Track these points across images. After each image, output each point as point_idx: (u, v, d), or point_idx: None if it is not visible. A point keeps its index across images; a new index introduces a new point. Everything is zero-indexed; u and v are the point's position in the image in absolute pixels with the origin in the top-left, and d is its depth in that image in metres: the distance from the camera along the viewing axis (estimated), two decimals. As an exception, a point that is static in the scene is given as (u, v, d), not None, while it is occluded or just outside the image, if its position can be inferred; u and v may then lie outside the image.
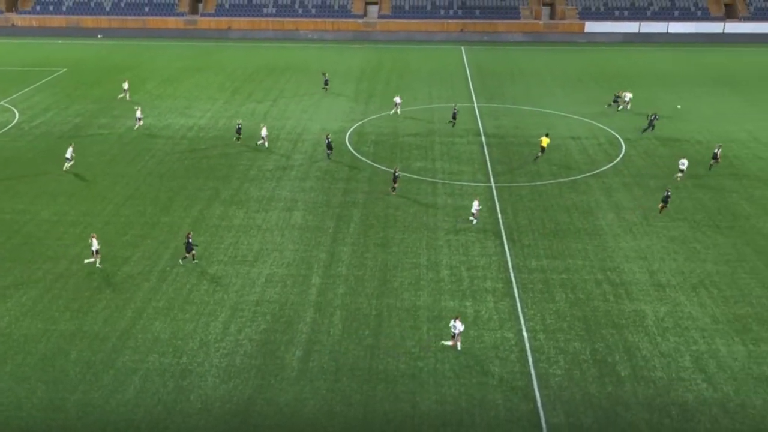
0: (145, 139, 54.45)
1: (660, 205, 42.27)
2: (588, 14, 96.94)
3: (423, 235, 39.38)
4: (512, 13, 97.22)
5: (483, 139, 54.79)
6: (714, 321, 31.66)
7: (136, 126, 57.50)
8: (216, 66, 79.11)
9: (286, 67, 78.27)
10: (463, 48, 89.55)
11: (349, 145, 53.03)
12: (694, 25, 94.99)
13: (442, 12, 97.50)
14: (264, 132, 52.94)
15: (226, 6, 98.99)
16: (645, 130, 56.31)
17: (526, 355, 29.32)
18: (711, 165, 48.78)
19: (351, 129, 56.75)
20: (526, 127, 57.33)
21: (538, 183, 46.45)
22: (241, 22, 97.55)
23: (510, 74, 75.50)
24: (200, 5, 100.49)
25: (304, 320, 31.64)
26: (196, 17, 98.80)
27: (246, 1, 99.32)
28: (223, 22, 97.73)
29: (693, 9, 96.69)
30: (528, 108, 62.64)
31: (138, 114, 57.87)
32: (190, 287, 34.16)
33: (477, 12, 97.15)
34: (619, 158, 50.79)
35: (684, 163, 47.11)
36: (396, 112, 60.81)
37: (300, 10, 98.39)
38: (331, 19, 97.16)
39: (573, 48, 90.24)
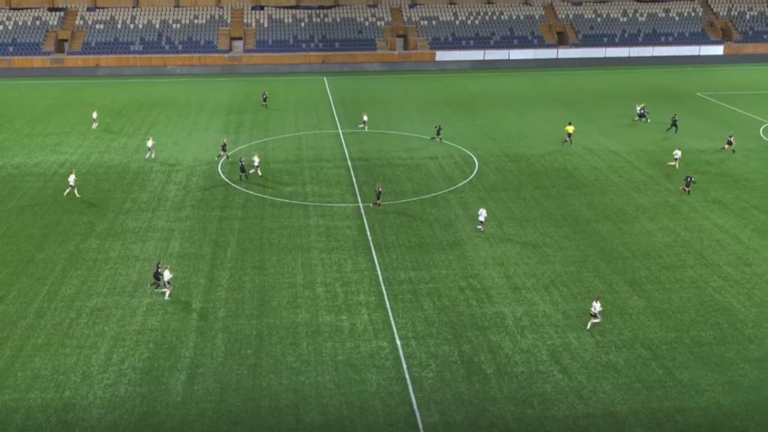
0: (15, 177, 51.55)
1: (683, 188, 48.26)
2: (438, 44, 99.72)
3: (298, 255, 39.17)
4: (369, 44, 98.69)
5: (349, 162, 55.18)
6: (565, 317, 33.03)
7: (147, 156, 55.81)
8: (85, 103, 75.99)
9: (155, 102, 76.20)
10: (325, 78, 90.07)
11: (222, 174, 52.15)
12: (531, 52, 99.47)
13: (304, 45, 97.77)
14: (257, 160, 51.82)
15: (93, 44, 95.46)
16: (668, 129, 63.49)
17: (401, 362, 29.61)
18: (733, 150, 57.22)
19: (223, 158, 55.80)
20: (388, 150, 58.19)
21: (402, 201, 47.19)
22: (108, 60, 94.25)
23: (370, 101, 76.50)
24: (66, 44, 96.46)
25: (187, 345, 30.73)
26: (63, 56, 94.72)
27: (112, 39, 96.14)
28: (91, 60, 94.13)
29: (530, 38, 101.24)
30: (389, 132, 63.63)
31: (149, 144, 55.96)
32: (69, 322, 32.51)
33: (337, 44, 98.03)
34: (473, 175, 52.34)
35: (677, 153, 53.54)
36: (364, 128, 64.18)
37: (167, 47, 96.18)
38: (198, 55, 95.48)
39: (426, 75, 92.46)
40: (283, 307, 33.81)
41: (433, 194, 48.01)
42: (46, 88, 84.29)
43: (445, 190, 48.79)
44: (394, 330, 31.95)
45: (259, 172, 52.03)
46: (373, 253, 39.56)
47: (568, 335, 31.50)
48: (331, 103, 76.06)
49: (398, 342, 31.03)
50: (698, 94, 79.39)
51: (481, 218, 42.23)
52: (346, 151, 58.27)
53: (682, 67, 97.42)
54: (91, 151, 58.33)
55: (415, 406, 26.94)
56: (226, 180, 50.95)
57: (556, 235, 41.90)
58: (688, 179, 48.17)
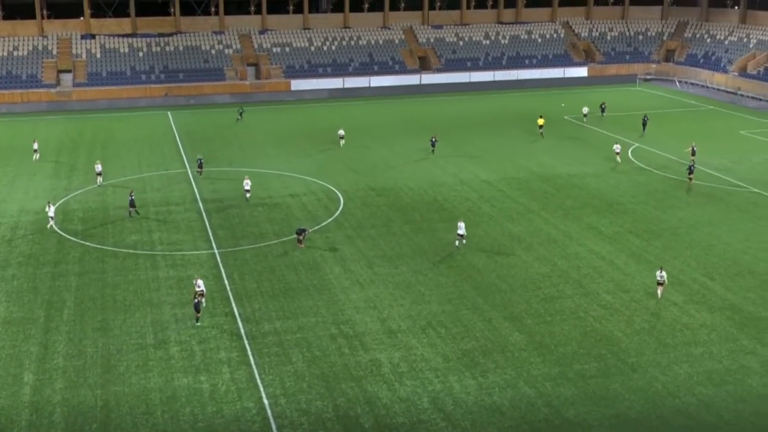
0: None
1: (688, 177, 57.31)
2: (293, 72, 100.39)
3: (147, 312, 37.87)
4: (217, 74, 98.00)
5: (201, 205, 54.20)
6: (445, 359, 33.55)
7: (98, 182, 58.03)
8: None
9: (-30, 146, 72.18)
10: (169, 113, 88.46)
11: (53, 225, 49.86)
12: (393, 78, 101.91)
13: (144, 77, 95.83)
14: (248, 184, 54.82)
15: None
16: (644, 130, 74.74)
17: (269, 423, 29.05)
18: (692, 161, 61.51)
19: (54, 207, 53.38)
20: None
21: (263, 244, 46.76)
22: None
23: (222, 136, 75.70)
24: None
25: (19, 425, 28.88)
26: None
27: None
28: None
29: (391, 63, 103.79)
30: (244, 170, 63.05)
31: (98, 168, 58.47)
32: None
33: (181, 75, 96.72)
34: (338, 212, 52.65)
35: (617, 147, 64.30)
36: (341, 143, 70.45)
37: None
38: (20, 90, 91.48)
39: (281, 106, 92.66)
40: (132, 372, 32.51)
41: (295, 235, 47.79)
42: None
43: (310, 230, 48.73)
44: (261, 388, 31.38)
45: (248, 196, 54.61)
46: (233, 303, 38.86)
47: (449, 379, 31.98)
48: (177, 139, 74.69)
49: (266, 401, 30.47)
50: (565, 117, 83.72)
51: (460, 231, 45.14)
52: (196, 192, 57.24)
53: (547, 89, 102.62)
54: None
55: (288, 472, 26.46)
56: (59, 231, 48.78)
57: (431, 272, 42.68)
58: (691, 167, 57.56)
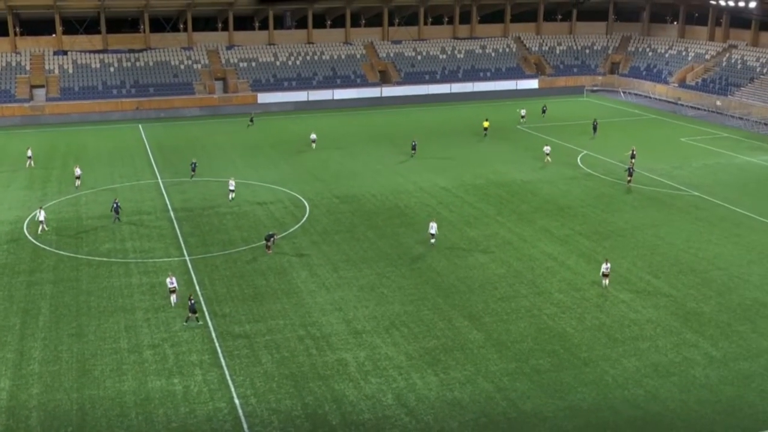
0: None
1: (628, 179, 59.31)
2: (259, 86, 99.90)
3: (120, 318, 37.38)
4: (186, 88, 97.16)
5: (171, 214, 53.65)
6: (408, 357, 33.58)
7: (77, 185, 59.23)
8: None
9: (-55, 159, 70.68)
10: (140, 126, 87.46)
11: (28, 235, 49.05)
12: (355, 91, 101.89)
13: (115, 91, 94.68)
14: (232, 184, 56.60)
15: None
16: (594, 133, 77.62)
17: (241, 422, 28.83)
18: (631, 164, 63.24)
19: (29, 218, 52.53)
20: (213, 198, 57.19)
21: (232, 251, 46.42)
22: None
23: (191, 148, 74.97)
24: None
25: (-4, 430, 28.35)
26: None
27: None
28: None
29: (353, 77, 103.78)
30: (213, 179, 62.66)
31: (77, 172, 59.88)
32: None
33: (151, 89, 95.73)
34: (305, 219, 52.47)
35: (548, 149, 67.18)
36: (312, 146, 73.13)
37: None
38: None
39: (248, 119, 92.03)
40: (107, 376, 32.05)
41: (264, 242, 47.54)
42: None
43: (278, 235, 48.49)
44: (232, 389, 31.13)
45: (232, 196, 56.15)
46: (204, 308, 38.50)
47: (412, 376, 32.01)
48: (149, 151, 73.90)
49: (237, 401, 30.23)
50: (518, 126, 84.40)
51: (432, 231, 46.37)
52: (167, 201, 56.65)
53: (501, 101, 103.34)
54: None
55: (259, 469, 26.26)
56: (33, 240, 47.97)
57: (393, 275, 42.70)
58: (630, 169, 59.48)
